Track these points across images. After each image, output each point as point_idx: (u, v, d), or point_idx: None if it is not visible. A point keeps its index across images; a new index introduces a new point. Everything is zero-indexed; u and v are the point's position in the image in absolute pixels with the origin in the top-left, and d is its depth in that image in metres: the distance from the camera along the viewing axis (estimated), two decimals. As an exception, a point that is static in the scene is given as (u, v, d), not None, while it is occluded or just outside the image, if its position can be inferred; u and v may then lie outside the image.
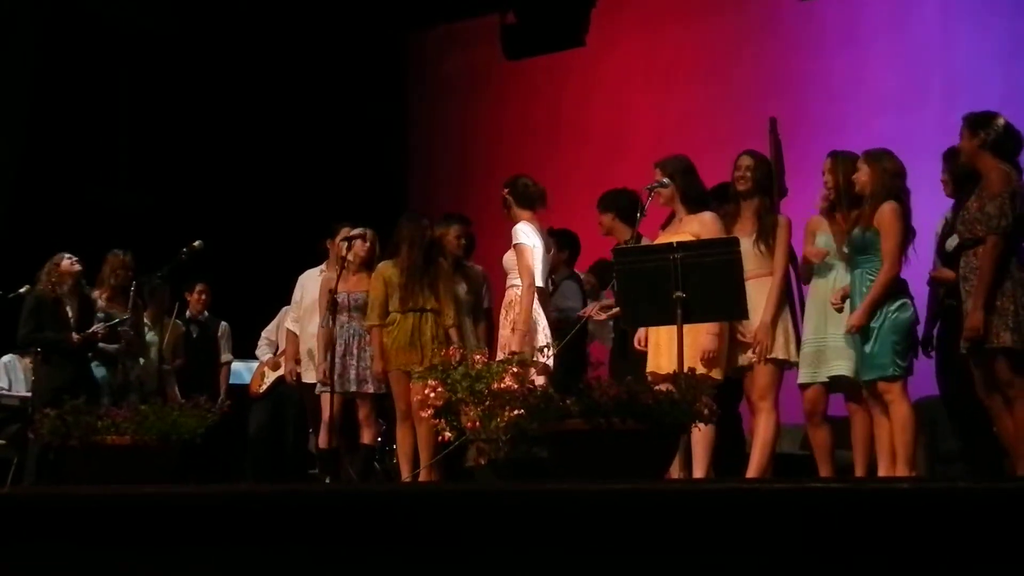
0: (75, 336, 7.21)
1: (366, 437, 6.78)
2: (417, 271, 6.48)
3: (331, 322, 6.62)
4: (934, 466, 6.46)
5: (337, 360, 6.63)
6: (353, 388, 6.66)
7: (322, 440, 6.79)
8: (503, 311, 6.22)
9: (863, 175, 5.19)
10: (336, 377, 6.60)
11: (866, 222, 5.12)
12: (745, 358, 5.46)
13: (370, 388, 6.67)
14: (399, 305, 6.48)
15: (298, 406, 7.88)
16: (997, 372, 4.75)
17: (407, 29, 11.07)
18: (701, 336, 5.28)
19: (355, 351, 6.68)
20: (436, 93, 11.07)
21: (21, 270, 7.72)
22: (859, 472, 5.25)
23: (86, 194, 9.24)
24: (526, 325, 6.00)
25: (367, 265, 6.81)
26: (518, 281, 6.14)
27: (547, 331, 6.08)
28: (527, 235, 6.15)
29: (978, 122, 4.89)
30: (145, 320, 7.92)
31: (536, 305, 6.11)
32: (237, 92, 10.02)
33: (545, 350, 5.60)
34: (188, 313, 8.49)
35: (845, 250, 5.22)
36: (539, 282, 6.15)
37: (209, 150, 9.87)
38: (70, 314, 7.29)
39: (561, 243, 6.97)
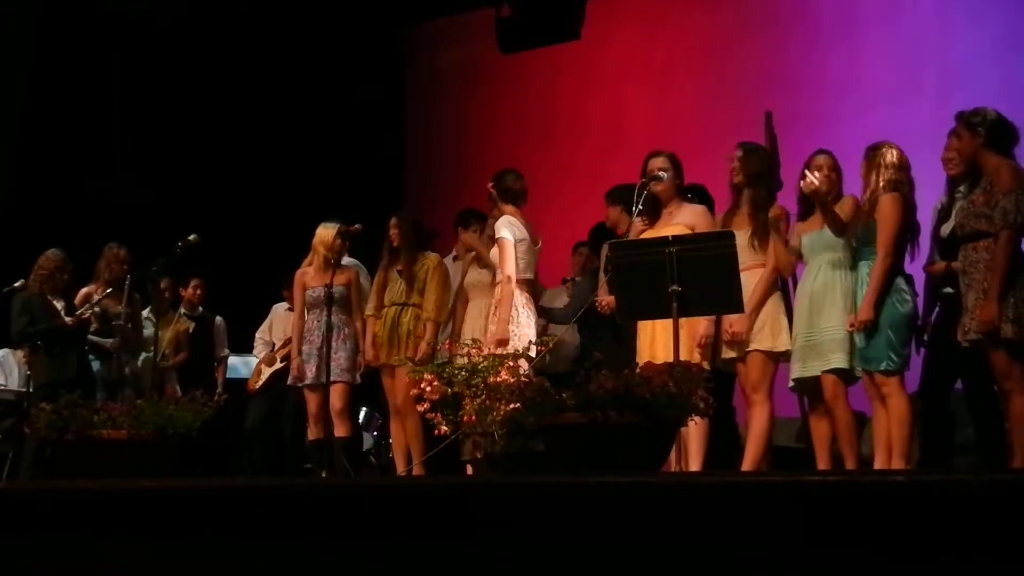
0: (68, 319, 7.21)
1: (340, 430, 6.78)
2: (395, 266, 6.54)
3: (327, 315, 6.62)
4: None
5: (315, 352, 6.65)
6: (334, 378, 6.66)
7: (311, 433, 6.83)
8: (492, 308, 6.21)
9: (862, 170, 5.23)
10: (314, 369, 6.64)
11: (868, 215, 5.13)
12: (731, 351, 5.47)
13: (344, 379, 6.68)
14: (384, 300, 6.55)
15: (295, 402, 7.89)
16: (995, 363, 4.76)
17: (402, 23, 11.06)
18: (697, 322, 5.32)
19: (333, 343, 6.68)
20: (431, 87, 11.07)
21: (16, 263, 7.71)
22: (849, 465, 5.26)
23: (81, 187, 9.21)
24: (506, 319, 5.97)
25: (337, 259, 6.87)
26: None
27: (532, 325, 6.08)
28: (510, 228, 6.13)
29: (975, 120, 4.90)
30: (148, 315, 7.91)
31: (525, 299, 6.12)
32: (233, 86, 10.01)
33: (531, 346, 5.56)
34: (183, 308, 8.49)
35: (853, 243, 5.23)
36: (528, 274, 6.19)
37: (205, 144, 9.85)
38: (59, 308, 7.29)
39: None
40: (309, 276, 6.82)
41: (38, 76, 9.27)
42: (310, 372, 6.69)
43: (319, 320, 6.71)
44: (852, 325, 5.11)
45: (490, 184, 6.38)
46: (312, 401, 6.76)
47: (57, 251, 7.40)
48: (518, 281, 6.10)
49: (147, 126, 9.76)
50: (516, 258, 6.10)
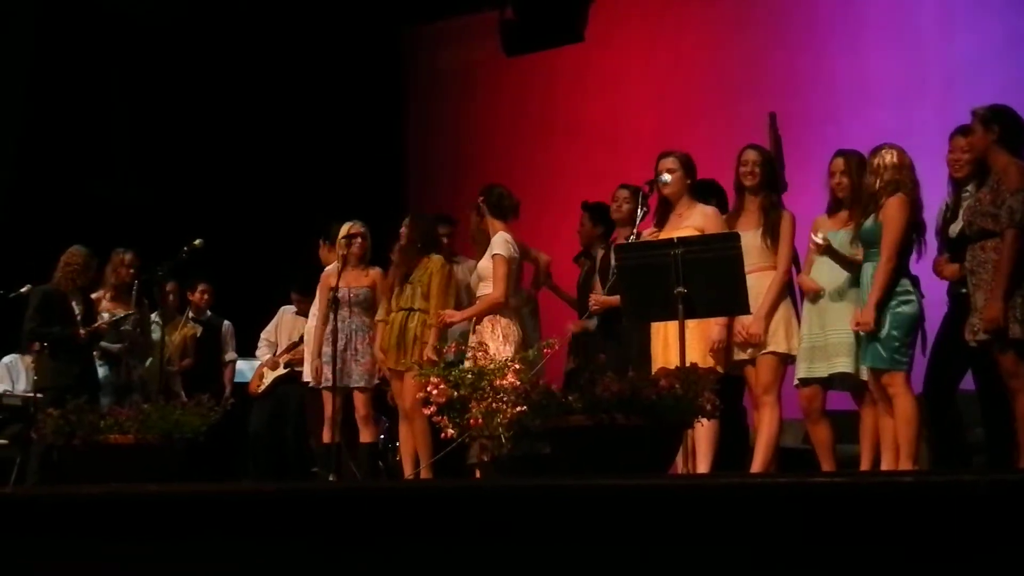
0: (81, 331, 7.22)
1: (365, 436, 6.79)
2: (402, 270, 6.55)
3: (333, 318, 6.62)
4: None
5: (337, 355, 6.65)
6: (355, 384, 6.68)
7: (324, 436, 6.82)
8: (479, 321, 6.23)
9: (868, 172, 5.21)
10: (336, 372, 6.63)
11: (875, 216, 5.11)
12: (743, 352, 5.47)
13: (367, 383, 6.69)
14: (393, 304, 6.55)
15: (298, 405, 7.89)
16: (1003, 363, 4.75)
17: (405, 25, 11.07)
18: (710, 327, 5.30)
19: (357, 347, 6.70)
20: (434, 89, 11.07)
21: (20, 266, 7.73)
22: (864, 466, 5.25)
23: (85, 189, 9.22)
24: (465, 322, 6.03)
25: (364, 260, 6.85)
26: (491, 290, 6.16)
27: (517, 343, 6.07)
28: (508, 247, 6.14)
29: (990, 117, 4.89)
30: (155, 319, 7.92)
31: (511, 317, 6.14)
32: (235, 89, 10.01)
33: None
34: (191, 312, 8.50)
35: (857, 244, 5.22)
36: (512, 292, 6.19)
37: (207, 146, 9.86)
38: (76, 311, 7.30)
39: (595, 218, 6.97)
40: (333, 277, 6.82)
41: (39, 79, 9.28)
42: (330, 374, 6.68)
43: (344, 321, 6.72)
44: (858, 324, 5.12)
45: (480, 198, 6.36)
46: (330, 404, 6.69)
47: (81, 247, 7.41)
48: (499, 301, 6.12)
49: (149, 129, 9.77)
50: (510, 279, 6.13)
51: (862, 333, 5.06)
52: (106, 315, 7.42)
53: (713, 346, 5.35)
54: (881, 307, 5.02)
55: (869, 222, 5.13)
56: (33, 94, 9.25)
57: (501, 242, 6.15)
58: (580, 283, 6.88)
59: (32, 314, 7.22)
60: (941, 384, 5.36)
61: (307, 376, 7.21)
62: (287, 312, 8.30)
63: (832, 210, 5.42)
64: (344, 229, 6.83)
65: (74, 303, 7.28)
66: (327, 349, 6.69)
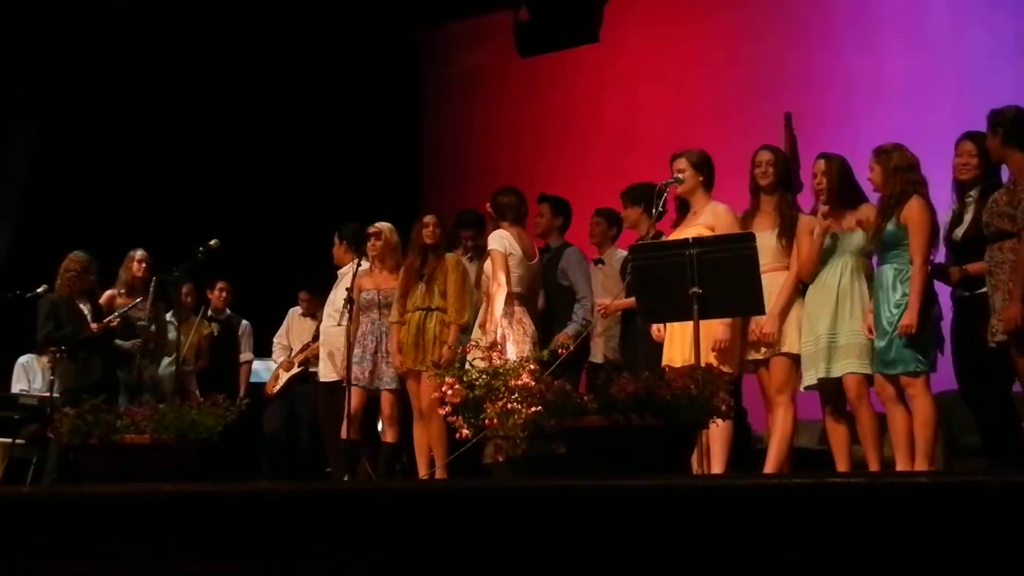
0: (93, 325, 7.26)
1: (389, 436, 6.79)
2: (417, 270, 6.54)
3: (348, 317, 6.64)
4: (952, 460, 6.44)
5: (368, 356, 6.65)
6: (386, 386, 6.69)
7: (344, 432, 6.82)
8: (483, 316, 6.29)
9: (875, 174, 5.20)
10: (367, 373, 6.62)
11: (895, 219, 5.10)
12: (757, 352, 5.46)
13: (398, 385, 6.70)
14: (409, 304, 6.55)
15: (313, 405, 7.90)
16: (1020, 365, 4.73)
17: (420, 26, 11.08)
18: (715, 326, 5.30)
19: (388, 349, 6.71)
20: (449, 90, 11.08)
21: (35, 268, 7.76)
22: (872, 467, 5.24)
23: (100, 191, 9.26)
24: (495, 328, 6.06)
25: (392, 261, 6.84)
26: None
27: (533, 336, 6.14)
28: (501, 240, 6.25)
29: (995, 120, 4.89)
30: (170, 319, 7.94)
31: (522, 310, 6.19)
32: (250, 89, 10.04)
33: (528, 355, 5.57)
34: (209, 311, 8.52)
35: (870, 247, 5.21)
36: (518, 288, 6.23)
37: (222, 148, 9.88)
38: (85, 311, 7.34)
39: (555, 209, 6.99)
40: (363, 278, 6.83)
41: (57, 81, 9.31)
42: (363, 375, 6.66)
43: (374, 323, 6.72)
44: (871, 330, 5.11)
45: (488, 204, 6.50)
46: (356, 401, 6.68)
47: (82, 252, 7.46)
48: (510, 294, 6.17)
49: (165, 130, 9.80)
50: (508, 270, 6.19)
51: (899, 336, 5.03)
52: (119, 315, 7.46)
53: (715, 345, 5.33)
54: (925, 309, 5.01)
55: (891, 225, 5.11)
56: (51, 97, 9.28)
57: (495, 238, 6.28)
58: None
59: (43, 322, 7.31)
60: (970, 386, 5.31)
61: (323, 375, 7.22)
62: (295, 313, 8.32)
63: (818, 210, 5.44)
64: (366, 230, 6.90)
65: (82, 306, 7.34)
66: (358, 351, 6.70)
